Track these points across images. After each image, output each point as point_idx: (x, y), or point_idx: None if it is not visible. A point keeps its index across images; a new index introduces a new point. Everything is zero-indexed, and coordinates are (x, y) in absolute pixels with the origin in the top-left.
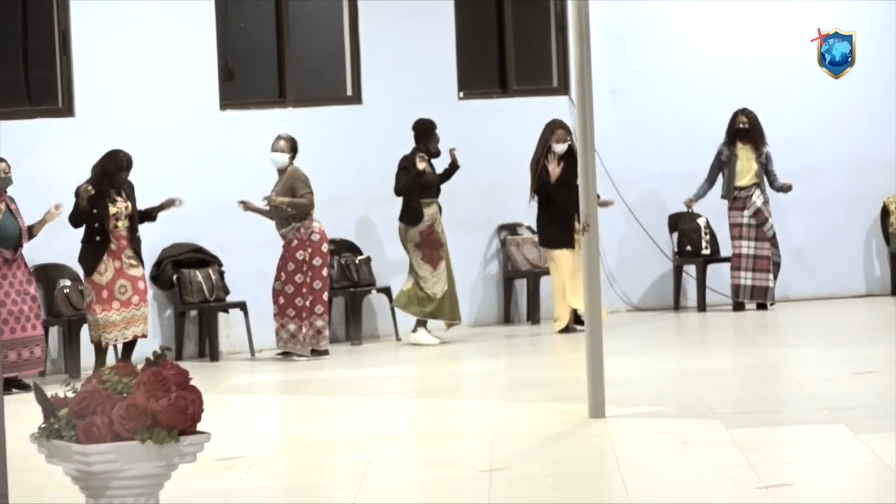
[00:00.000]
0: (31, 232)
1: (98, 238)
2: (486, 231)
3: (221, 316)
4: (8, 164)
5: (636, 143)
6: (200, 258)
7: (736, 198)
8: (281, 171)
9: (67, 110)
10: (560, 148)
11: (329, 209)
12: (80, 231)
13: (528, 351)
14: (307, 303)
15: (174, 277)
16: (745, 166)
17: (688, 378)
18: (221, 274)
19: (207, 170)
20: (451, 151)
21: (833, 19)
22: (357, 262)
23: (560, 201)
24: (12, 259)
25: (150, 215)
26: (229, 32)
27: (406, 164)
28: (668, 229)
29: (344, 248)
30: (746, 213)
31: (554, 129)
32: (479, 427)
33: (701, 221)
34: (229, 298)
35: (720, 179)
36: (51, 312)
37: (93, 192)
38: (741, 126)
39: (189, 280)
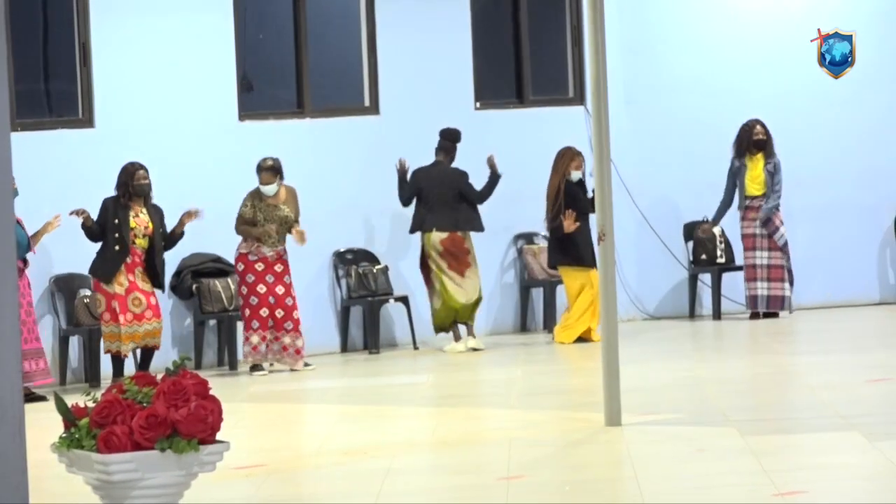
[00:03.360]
0: (31, 242)
1: (117, 248)
2: (502, 240)
3: (240, 325)
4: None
5: (651, 152)
6: (219, 268)
7: (748, 208)
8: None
9: (87, 121)
10: (577, 175)
11: (346, 219)
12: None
13: (545, 359)
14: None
15: (194, 287)
16: (756, 176)
17: (703, 386)
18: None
19: (226, 180)
20: (490, 158)
21: (842, 20)
22: (375, 271)
23: (585, 222)
24: (20, 271)
25: (175, 234)
26: (248, 44)
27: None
28: (684, 238)
29: (361, 257)
30: (758, 223)
31: (573, 156)
32: (497, 435)
33: (716, 230)
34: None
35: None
36: (71, 322)
37: (87, 219)
38: (760, 137)
39: (208, 289)
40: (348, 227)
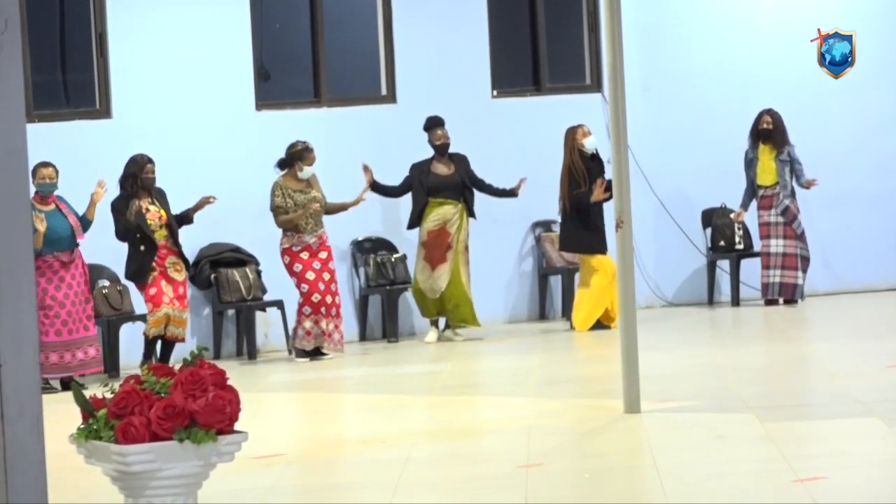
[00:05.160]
0: (87, 217)
1: (143, 247)
2: (520, 228)
3: (259, 315)
4: (56, 169)
5: (668, 139)
6: (238, 257)
7: (762, 196)
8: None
9: (105, 112)
10: (590, 143)
11: (364, 207)
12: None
13: (564, 347)
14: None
15: (212, 277)
16: (767, 166)
17: (722, 372)
18: (259, 273)
19: (243, 170)
20: (521, 181)
21: (842, 20)
22: (393, 260)
23: (596, 207)
24: (69, 261)
25: (186, 218)
26: (265, 33)
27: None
28: (702, 225)
29: (380, 246)
30: (774, 211)
31: (576, 128)
32: (515, 423)
33: (735, 217)
34: (266, 297)
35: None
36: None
37: (142, 207)
38: (765, 126)
39: (227, 279)
40: (366, 216)
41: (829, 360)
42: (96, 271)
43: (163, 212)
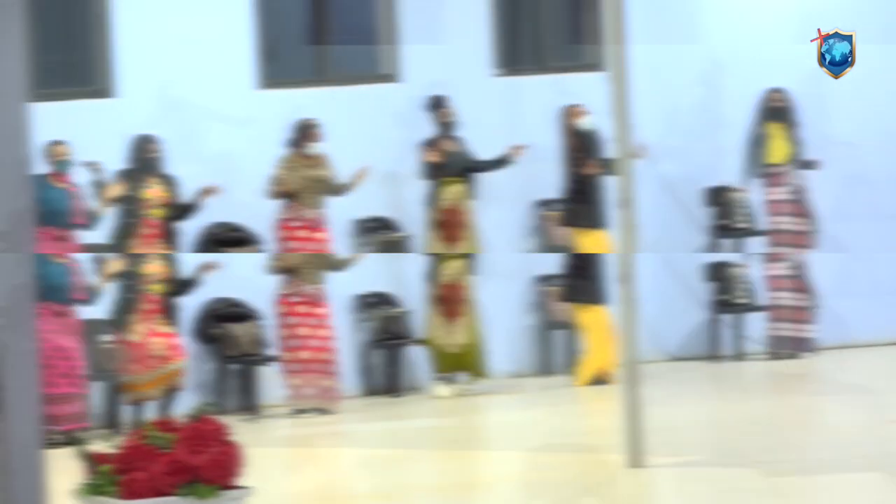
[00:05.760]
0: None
1: (132, 218)
2: (519, 208)
3: (262, 369)
4: (68, 146)
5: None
6: (240, 312)
7: (772, 174)
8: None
9: (108, 91)
10: (585, 122)
11: (365, 187)
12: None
13: (566, 400)
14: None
15: (215, 332)
16: (777, 144)
17: (726, 426)
18: (261, 328)
19: (247, 150)
20: (514, 149)
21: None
22: (396, 315)
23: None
24: (59, 237)
25: (192, 206)
26: (267, 11)
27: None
28: (705, 278)
29: (383, 301)
30: (783, 189)
31: (569, 109)
32: (519, 477)
33: (738, 271)
34: (269, 352)
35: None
36: (93, 367)
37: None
38: (776, 105)
39: (229, 334)
40: (365, 196)
41: (833, 413)
42: (95, 327)
43: (166, 192)
